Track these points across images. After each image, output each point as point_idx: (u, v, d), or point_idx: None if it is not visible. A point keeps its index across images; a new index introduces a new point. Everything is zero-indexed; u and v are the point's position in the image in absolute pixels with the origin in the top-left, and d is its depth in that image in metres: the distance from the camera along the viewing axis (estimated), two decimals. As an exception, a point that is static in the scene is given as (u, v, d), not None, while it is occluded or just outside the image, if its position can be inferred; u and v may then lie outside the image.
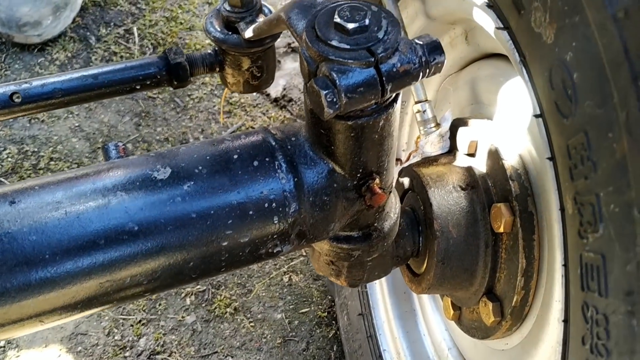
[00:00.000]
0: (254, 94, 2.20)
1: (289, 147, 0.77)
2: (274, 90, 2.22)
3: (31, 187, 0.71)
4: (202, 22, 2.47)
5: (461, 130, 0.96)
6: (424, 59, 0.66)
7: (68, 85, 0.98)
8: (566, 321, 0.62)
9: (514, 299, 0.87)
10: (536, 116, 0.64)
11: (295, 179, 0.75)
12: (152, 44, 2.38)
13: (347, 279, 0.94)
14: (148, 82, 1.01)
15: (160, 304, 1.76)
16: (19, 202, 0.69)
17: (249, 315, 1.76)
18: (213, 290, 1.78)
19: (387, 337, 1.35)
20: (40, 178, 0.73)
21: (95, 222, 0.69)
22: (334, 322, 1.74)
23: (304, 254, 1.86)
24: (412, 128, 1.28)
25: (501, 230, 0.86)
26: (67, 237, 0.67)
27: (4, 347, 1.68)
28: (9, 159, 2.05)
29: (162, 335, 1.71)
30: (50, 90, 0.97)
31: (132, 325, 1.73)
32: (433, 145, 0.98)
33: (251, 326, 1.73)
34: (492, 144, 0.91)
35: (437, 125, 0.99)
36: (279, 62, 2.28)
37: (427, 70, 0.67)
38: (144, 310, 1.75)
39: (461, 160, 0.97)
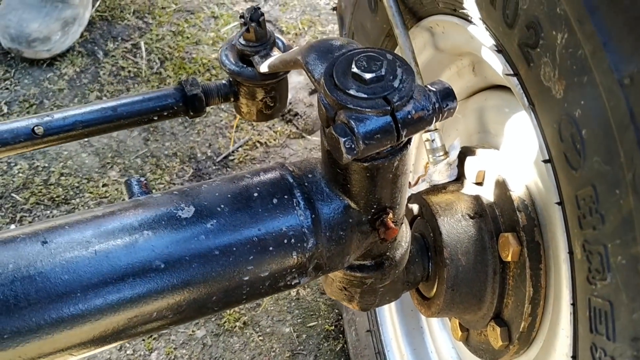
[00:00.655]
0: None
1: (306, 184, 0.80)
2: (280, 104, 2.25)
3: (61, 226, 0.74)
4: (207, 36, 2.50)
5: (469, 160, 0.99)
6: (437, 106, 0.70)
7: (88, 117, 1.02)
8: (575, 357, 0.65)
9: (522, 325, 0.91)
10: (544, 161, 0.67)
11: (313, 216, 0.78)
12: (159, 58, 2.41)
13: (359, 303, 0.98)
14: (165, 113, 1.04)
15: (170, 319, 1.79)
16: (50, 242, 0.72)
17: (258, 329, 1.79)
18: (222, 304, 1.81)
19: (395, 354, 1.38)
20: (69, 216, 0.76)
21: (123, 260, 0.72)
22: (341, 335, 1.77)
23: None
24: (419, 151, 1.32)
25: (509, 259, 0.89)
26: (97, 275, 0.71)
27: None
28: (20, 174, 2.09)
29: (173, 350, 1.75)
30: (71, 122, 1.00)
31: (143, 340, 1.76)
32: (441, 174, 1.02)
33: (260, 340, 1.77)
34: (500, 175, 0.94)
35: (446, 154, 1.02)
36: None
37: (440, 116, 0.71)
38: (155, 325, 1.78)
39: (469, 188, 1.00)
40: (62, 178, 2.08)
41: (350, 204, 0.79)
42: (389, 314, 1.40)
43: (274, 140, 2.20)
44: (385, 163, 0.73)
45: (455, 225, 0.97)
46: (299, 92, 2.31)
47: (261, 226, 0.76)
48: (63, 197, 2.04)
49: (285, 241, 0.77)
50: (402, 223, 0.88)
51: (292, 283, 0.81)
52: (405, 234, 0.93)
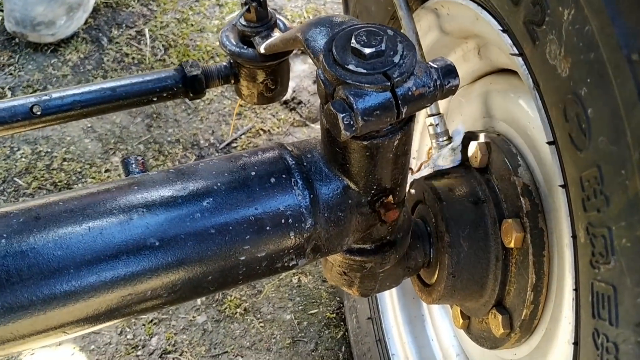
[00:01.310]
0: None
1: (305, 164, 0.78)
2: (284, 92, 2.23)
3: (55, 203, 0.73)
4: (212, 24, 2.49)
5: (473, 145, 0.98)
6: (438, 83, 0.68)
7: (86, 97, 1.00)
8: (576, 344, 0.64)
9: (524, 313, 0.89)
10: (549, 143, 0.66)
11: (311, 196, 0.77)
12: (163, 45, 2.40)
13: (359, 289, 0.96)
14: (164, 94, 1.03)
15: (171, 305, 1.79)
16: (43, 218, 0.71)
17: (259, 315, 1.78)
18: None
19: (396, 342, 1.37)
20: (63, 193, 0.75)
21: (117, 237, 0.71)
22: (342, 323, 1.76)
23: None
24: (422, 136, 1.30)
25: (512, 245, 0.88)
26: (91, 251, 0.70)
27: (19, 345, 1.71)
28: (23, 159, 2.08)
29: (173, 335, 1.74)
30: (70, 102, 0.99)
31: (144, 325, 1.76)
32: (445, 160, 1.00)
33: (261, 326, 1.76)
34: (504, 160, 0.92)
35: (449, 139, 1.00)
36: (289, 64, 2.29)
37: (442, 93, 0.69)
38: (155, 311, 1.77)
39: (472, 174, 0.98)
40: (65, 163, 2.08)
41: (349, 185, 0.78)
42: (390, 302, 1.39)
43: (277, 127, 2.19)
44: (386, 142, 0.72)
45: (458, 211, 0.95)
46: (303, 81, 2.29)
47: (258, 205, 0.75)
48: (65, 182, 2.04)
49: (283, 221, 0.76)
50: (403, 205, 0.87)
51: (290, 264, 0.80)
52: (406, 218, 0.91)
